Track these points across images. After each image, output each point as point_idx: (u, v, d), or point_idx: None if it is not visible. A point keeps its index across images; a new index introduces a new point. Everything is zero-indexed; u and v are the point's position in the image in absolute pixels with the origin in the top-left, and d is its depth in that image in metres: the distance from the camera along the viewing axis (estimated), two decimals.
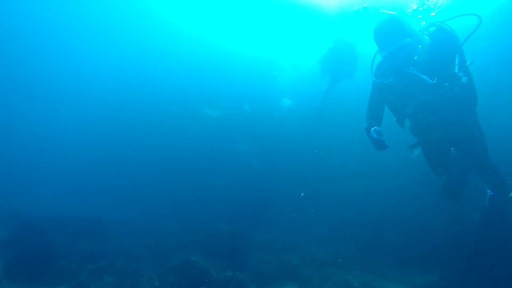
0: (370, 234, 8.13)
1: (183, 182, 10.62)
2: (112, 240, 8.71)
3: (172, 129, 11.89)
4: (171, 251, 7.95)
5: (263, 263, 7.19)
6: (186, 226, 8.99)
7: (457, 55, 3.13)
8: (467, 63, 3.19)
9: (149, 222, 9.39)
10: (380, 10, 3.38)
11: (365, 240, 8.08)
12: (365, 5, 7.08)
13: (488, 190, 3.92)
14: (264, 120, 11.23)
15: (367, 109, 3.76)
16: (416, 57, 3.20)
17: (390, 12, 3.29)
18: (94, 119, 14.04)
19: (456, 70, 3.07)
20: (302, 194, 9.37)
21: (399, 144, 4.52)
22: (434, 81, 3.05)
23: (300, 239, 8.49)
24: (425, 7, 4.03)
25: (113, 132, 13.19)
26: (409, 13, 3.96)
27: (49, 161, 14.34)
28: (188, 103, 12.34)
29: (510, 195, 3.73)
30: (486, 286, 5.43)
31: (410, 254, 7.18)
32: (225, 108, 12.08)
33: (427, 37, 3.30)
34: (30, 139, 15.72)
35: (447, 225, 7.23)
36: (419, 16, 4.09)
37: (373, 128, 3.43)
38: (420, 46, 3.18)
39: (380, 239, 7.87)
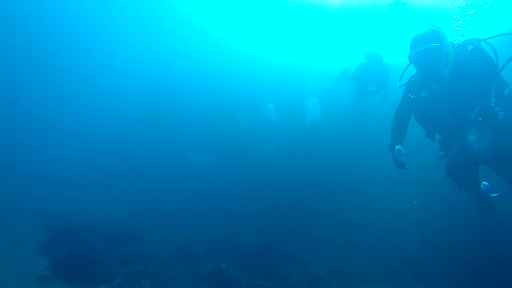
0: (396, 248, 8.22)
1: (212, 193, 10.99)
2: (144, 246, 9.12)
3: (205, 139, 12.43)
4: (200, 260, 8.24)
5: (290, 274, 7.40)
6: (215, 236, 9.28)
7: (494, 84, 3.08)
8: (505, 92, 3.02)
9: (179, 231, 9.73)
10: (426, 25, 3.46)
11: (391, 254, 8.17)
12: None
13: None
14: (295, 126, 11.60)
15: (394, 121, 3.84)
16: (444, 69, 3.19)
17: (434, 25, 3.37)
18: (131, 126, 14.83)
19: (493, 103, 3.03)
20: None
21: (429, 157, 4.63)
22: (472, 117, 3.09)
23: (325, 251, 8.64)
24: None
25: (148, 140, 13.89)
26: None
27: (83, 165, 15.07)
28: (223, 112, 12.93)
29: None
30: None
31: (436, 270, 7.23)
32: (256, 117, 12.47)
33: (453, 51, 3.26)
34: (65, 142, 16.67)
35: (474, 241, 7.26)
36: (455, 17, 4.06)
37: (397, 148, 3.56)
38: (449, 57, 3.18)
39: (407, 254, 7.94)
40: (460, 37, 3.57)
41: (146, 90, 15.88)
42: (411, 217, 8.39)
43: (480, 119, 3.08)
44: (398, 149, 3.54)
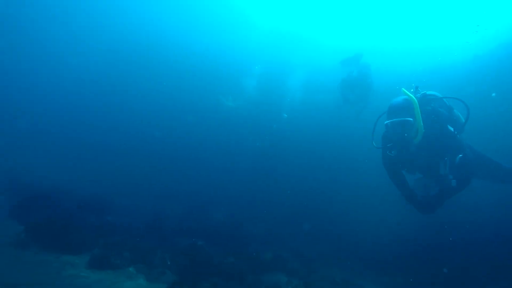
0: (351, 237, 9.33)
1: (185, 169, 11.28)
2: (115, 216, 9.29)
3: (182, 119, 12.49)
4: (174, 235, 8.67)
5: (258, 254, 8.14)
6: (187, 212, 9.70)
7: (447, 156, 3.89)
8: (457, 160, 3.76)
9: (152, 204, 10.00)
10: (402, 89, 4.05)
11: (344, 242, 9.28)
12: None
13: None
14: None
15: (394, 181, 4.37)
16: (411, 138, 3.87)
17: (409, 94, 3.95)
18: (103, 90, 14.25)
19: (447, 171, 3.88)
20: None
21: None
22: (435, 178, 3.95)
23: (289, 235, 9.52)
24: None
25: (120, 107, 13.53)
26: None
27: (52, 129, 14.38)
28: (204, 92, 12.95)
29: None
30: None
31: (382, 258, 8.40)
32: (239, 100, 12.70)
33: (422, 126, 3.84)
34: (31, 103, 15.61)
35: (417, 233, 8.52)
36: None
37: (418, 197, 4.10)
38: (418, 130, 3.84)
39: (359, 243, 9.07)
40: (415, 89, 4.28)
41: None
42: (376, 210, 9.48)
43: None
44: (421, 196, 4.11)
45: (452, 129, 3.98)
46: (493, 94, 8.32)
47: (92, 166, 11.44)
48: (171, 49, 14.32)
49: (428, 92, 4.33)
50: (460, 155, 3.81)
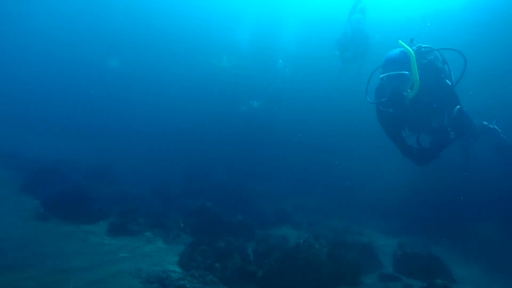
0: (347, 189, 9.95)
1: (185, 135, 11.49)
2: (123, 185, 9.66)
3: (177, 83, 12.39)
4: (181, 197, 9.12)
5: (263, 210, 8.71)
6: (191, 176, 10.09)
7: (446, 109, 3.87)
8: (454, 112, 3.79)
9: (156, 171, 10.34)
10: (399, 41, 3.90)
11: (342, 194, 9.91)
12: None
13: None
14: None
15: (389, 135, 4.41)
16: (407, 92, 3.78)
17: (406, 46, 3.82)
18: (102, 65, 13.91)
19: (446, 124, 3.88)
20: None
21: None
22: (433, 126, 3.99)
23: (291, 190, 10.09)
24: None
25: (125, 83, 13.34)
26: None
27: (54, 106, 14.23)
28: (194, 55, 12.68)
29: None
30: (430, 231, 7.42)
31: (378, 207, 9.08)
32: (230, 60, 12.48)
33: (419, 78, 3.73)
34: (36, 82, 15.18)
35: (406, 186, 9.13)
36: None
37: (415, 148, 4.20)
38: (414, 83, 3.75)
39: (355, 194, 9.71)
40: (413, 42, 4.15)
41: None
42: (362, 167, 10.00)
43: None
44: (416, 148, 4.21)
45: (449, 82, 3.99)
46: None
47: (94, 138, 11.56)
48: (154, 15, 13.74)
49: (423, 45, 4.25)
50: (458, 107, 3.84)
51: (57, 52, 15.45)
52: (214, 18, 13.75)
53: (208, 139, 11.38)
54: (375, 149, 10.05)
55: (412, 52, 3.79)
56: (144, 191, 9.25)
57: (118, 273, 4.56)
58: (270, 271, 4.78)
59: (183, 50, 13.35)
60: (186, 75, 12.57)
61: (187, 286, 4.33)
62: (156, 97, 12.70)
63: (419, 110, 4.00)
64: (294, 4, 13.39)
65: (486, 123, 5.15)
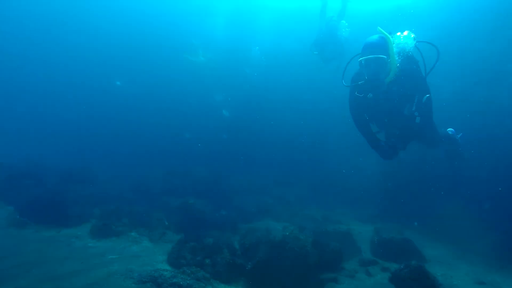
0: (323, 180, 10.36)
1: (163, 132, 11.36)
2: (100, 184, 9.47)
3: (153, 81, 12.13)
4: (162, 195, 9.09)
5: (245, 204, 8.90)
6: (170, 173, 10.06)
7: (418, 92, 3.99)
8: (424, 99, 3.98)
9: (133, 170, 10.20)
10: (378, 28, 4.03)
11: (318, 184, 10.32)
12: None
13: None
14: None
15: (358, 125, 4.51)
16: (385, 77, 3.93)
17: (384, 32, 3.95)
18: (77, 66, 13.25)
19: (414, 108, 4.06)
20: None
21: None
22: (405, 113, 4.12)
23: (270, 184, 10.35)
24: None
25: (99, 84, 12.80)
26: None
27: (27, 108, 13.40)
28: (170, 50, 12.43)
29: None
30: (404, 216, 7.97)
31: (353, 196, 9.55)
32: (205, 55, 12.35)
33: (398, 64, 3.91)
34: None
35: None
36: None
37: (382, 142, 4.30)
38: (391, 68, 3.91)
39: (331, 185, 10.14)
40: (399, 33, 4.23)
41: None
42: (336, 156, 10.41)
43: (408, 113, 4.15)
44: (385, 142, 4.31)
45: (422, 72, 4.22)
46: None
47: (68, 141, 11.15)
48: (125, 13, 13.21)
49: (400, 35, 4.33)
50: (428, 95, 4.05)
51: (30, 54, 14.55)
52: (186, 13, 13.51)
53: (187, 136, 11.35)
54: (349, 144, 10.46)
55: (390, 37, 3.96)
56: (124, 191, 9.14)
57: (109, 275, 4.58)
58: (259, 263, 4.99)
59: (157, 47, 13.03)
60: (161, 73, 12.34)
61: (181, 283, 4.45)
62: (132, 96, 12.38)
63: (392, 96, 4.14)
64: None
65: (451, 133, 5.35)
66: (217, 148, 11.06)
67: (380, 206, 8.76)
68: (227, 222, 7.69)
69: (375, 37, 4.08)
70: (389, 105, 4.24)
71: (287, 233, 5.18)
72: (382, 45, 3.94)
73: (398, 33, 4.28)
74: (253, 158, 11.23)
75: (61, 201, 7.13)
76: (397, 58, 3.99)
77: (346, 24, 8.82)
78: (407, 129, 4.26)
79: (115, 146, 11.03)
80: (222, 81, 11.72)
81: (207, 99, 11.64)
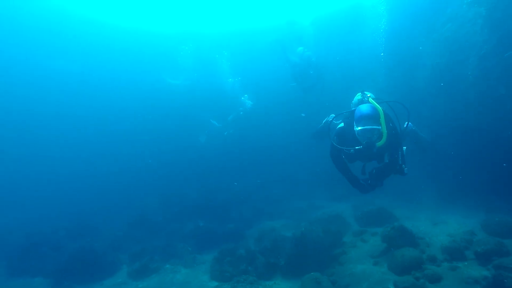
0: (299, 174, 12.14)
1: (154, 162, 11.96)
2: (109, 232, 9.96)
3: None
4: (164, 223, 9.99)
5: (240, 213, 10.28)
6: (166, 201, 10.94)
7: (399, 151, 4.78)
8: (404, 150, 4.80)
9: (127, 206, 10.79)
10: (370, 99, 4.84)
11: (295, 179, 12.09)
12: None
13: None
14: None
15: (341, 170, 5.12)
16: (377, 142, 4.52)
17: (375, 104, 4.68)
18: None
19: (400, 162, 4.78)
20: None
21: None
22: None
23: (254, 191, 11.84)
24: None
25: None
26: None
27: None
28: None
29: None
30: None
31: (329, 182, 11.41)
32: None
33: (386, 132, 4.45)
34: None
35: None
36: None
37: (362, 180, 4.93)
38: (383, 135, 4.45)
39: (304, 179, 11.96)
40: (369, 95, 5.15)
41: None
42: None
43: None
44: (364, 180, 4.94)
45: (398, 128, 4.84)
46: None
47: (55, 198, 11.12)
48: None
49: (373, 96, 5.10)
50: (405, 147, 5.01)
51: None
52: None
53: (175, 164, 12.12)
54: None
55: (381, 109, 4.74)
56: (130, 229, 9.81)
57: None
58: (290, 256, 6.49)
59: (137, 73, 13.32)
60: (140, 97, 12.76)
61: None
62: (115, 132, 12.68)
63: (379, 151, 4.93)
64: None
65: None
66: (202, 167, 12.07)
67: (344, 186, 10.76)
68: (235, 232, 8.98)
69: (369, 108, 4.66)
70: (374, 157, 5.19)
71: (303, 229, 6.74)
72: (376, 116, 4.60)
73: (368, 95, 5.21)
74: (238, 175, 12.50)
75: (90, 256, 7.71)
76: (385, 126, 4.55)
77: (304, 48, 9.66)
78: (387, 169, 5.13)
79: (107, 189, 11.37)
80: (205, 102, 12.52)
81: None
